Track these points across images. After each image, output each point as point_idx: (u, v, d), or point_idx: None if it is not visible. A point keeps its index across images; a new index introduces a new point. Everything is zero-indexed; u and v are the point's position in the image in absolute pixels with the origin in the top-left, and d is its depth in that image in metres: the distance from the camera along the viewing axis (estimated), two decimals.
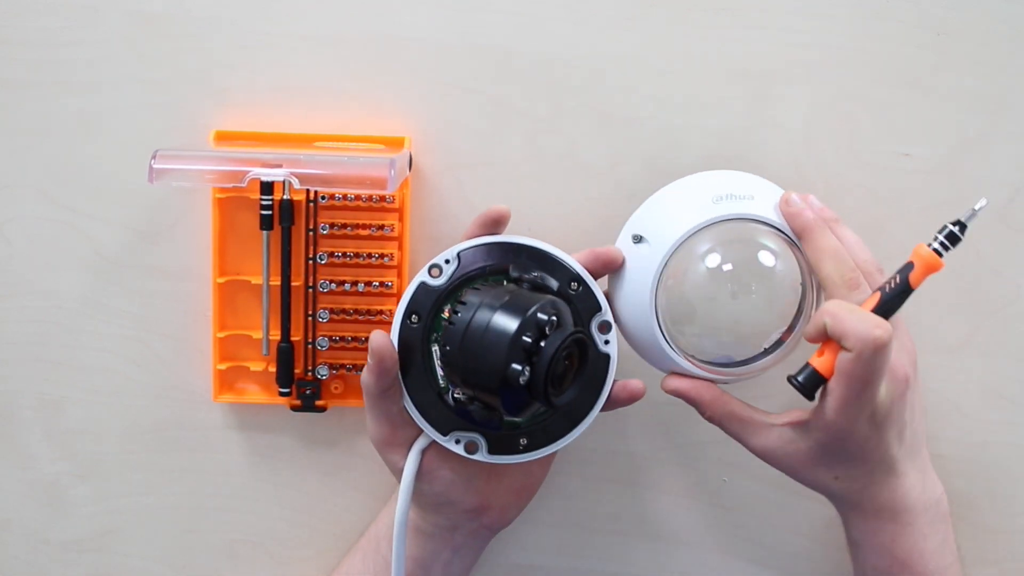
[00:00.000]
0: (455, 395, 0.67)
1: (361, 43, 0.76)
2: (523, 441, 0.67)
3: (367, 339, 0.76)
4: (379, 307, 0.77)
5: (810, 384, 0.65)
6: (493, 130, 0.77)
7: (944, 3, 0.75)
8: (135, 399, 0.79)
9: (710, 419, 0.69)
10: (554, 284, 0.67)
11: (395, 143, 0.76)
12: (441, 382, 0.67)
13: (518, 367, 0.61)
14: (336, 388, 0.78)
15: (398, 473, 0.68)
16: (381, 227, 0.76)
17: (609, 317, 0.68)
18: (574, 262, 0.68)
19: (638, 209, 0.70)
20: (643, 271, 0.68)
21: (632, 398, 0.69)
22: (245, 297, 0.78)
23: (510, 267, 0.67)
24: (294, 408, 0.78)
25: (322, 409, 0.78)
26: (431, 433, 0.67)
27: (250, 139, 0.76)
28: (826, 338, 0.64)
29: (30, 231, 0.78)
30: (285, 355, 0.76)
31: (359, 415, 0.79)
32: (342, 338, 0.77)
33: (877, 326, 0.61)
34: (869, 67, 0.76)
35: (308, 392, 0.77)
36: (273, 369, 0.77)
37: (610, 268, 0.69)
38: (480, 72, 0.76)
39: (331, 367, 0.77)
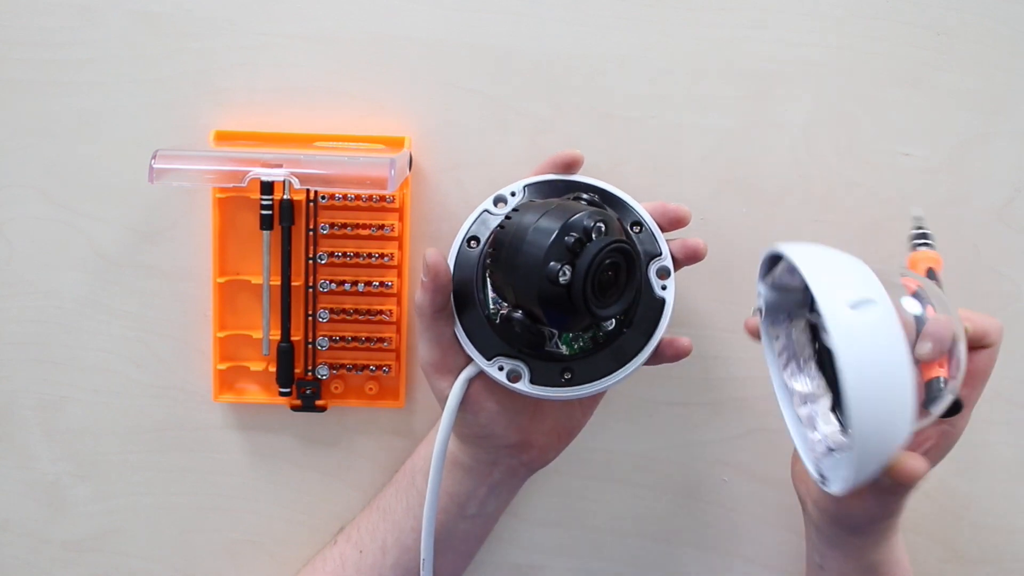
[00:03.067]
0: (502, 312, 0.65)
1: (361, 43, 0.76)
2: (567, 375, 0.66)
3: (367, 339, 0.77)
4: (379, 307, 0.77)
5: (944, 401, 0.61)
6: (493, 130, 0.77)
7: (944, 3, 0.75)
8: (135, 399, 0.79)
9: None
10: (614, 216, 0.65)
11: (395, 143, 0.76)
12: (491, 306, 0.66)
13: (557, 265, 0.59)
14: (336, 388, 0.78)
15: (444, 401, 0.68)
16: (381, 227, 0.76)
17: (669, 263, 0.67)
18: (638, 206, 0.68)
19: (810, 280, 0.58)
20: (883, 341, 0.56)
21: (678, 356, 0.68)
22: (245, 297, 0.78)
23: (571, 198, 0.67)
24: (294, 408, 0.78)
25: (322, 409, 0.78)
26: (474, 356, 0.66)
27: (250, 139, 0.76)
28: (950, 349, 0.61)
29: (30, 231, 0.78)
30: (285, 355, 0.76)
31: (359, 415, 0.79)
32: (342, 338, 0.77)
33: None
34: (869, 67, 0.76)
35: (308, 392, 0.77)
36: (273, 369, 0.77)
37: (676, 226, 0.68)
38: (480, 72, 0.76)
39: (331, 367, 0.77)
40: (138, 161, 0.72)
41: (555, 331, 0.65)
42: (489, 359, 0.66)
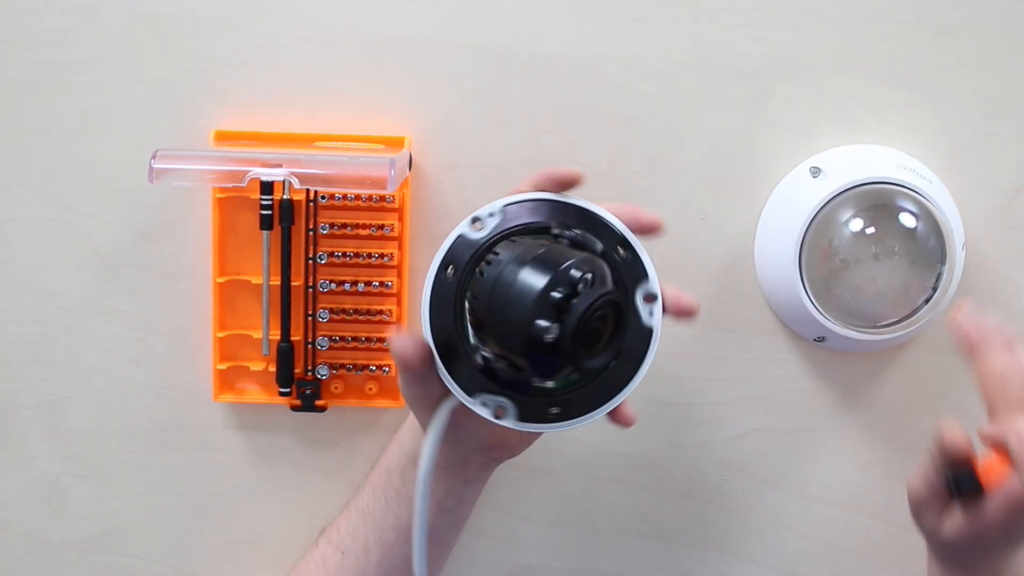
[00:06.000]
0: (483, 354, 0.62)
1: (361, 43, 0.76)
2: (554, 410, 0.63)
3: (367, 339, 0.77)
4: (379, 307, 0.77)
5: (963, 486, 0.61)
6: (493, 130, 0.77)
7: (944, 3, 0.75)
8: (135, 399, 0.79)
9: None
10: (598, 245, 0.63)
11: (395, 143, 0.76)
12: (472, 340, 0.62)
13: (544, 324, 0.56)
14: (336, 388, 0.78)
15: (426, 426, 0.66)
16: (381, 227, 0.76)
17: (656, 288, 0.63)
18: (622, 225, 0.64)
19: (826, 151, 0.75)
20: (810, 201, 0.72)
21: (684, 313, 0.64)
22: (245, 297, 0.78)
23: (552, 225, 0.63)
24: (294, 408, 0.78)
25: (322, 409, 0.78)
26: (458, 394, 0.63)
27: (250, 139, 0.76)
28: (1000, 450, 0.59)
29: (30, 231, 0.78)
30: (285, 355, 0.76)
31: (359, 415, 0.79)
32: (342, 338, 0.77)
33: None
34: (869, 67, 0.76)
35: (308, 392, 0.77)
36: (273, 369, 0.77)
37: (649, 231, 0.65)
38: (480, 72, 0.76)
39: (331, 367, 0.77)
40: (138, 161, 0.72)
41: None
42: (471, 395, 0.63)
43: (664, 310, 0.64)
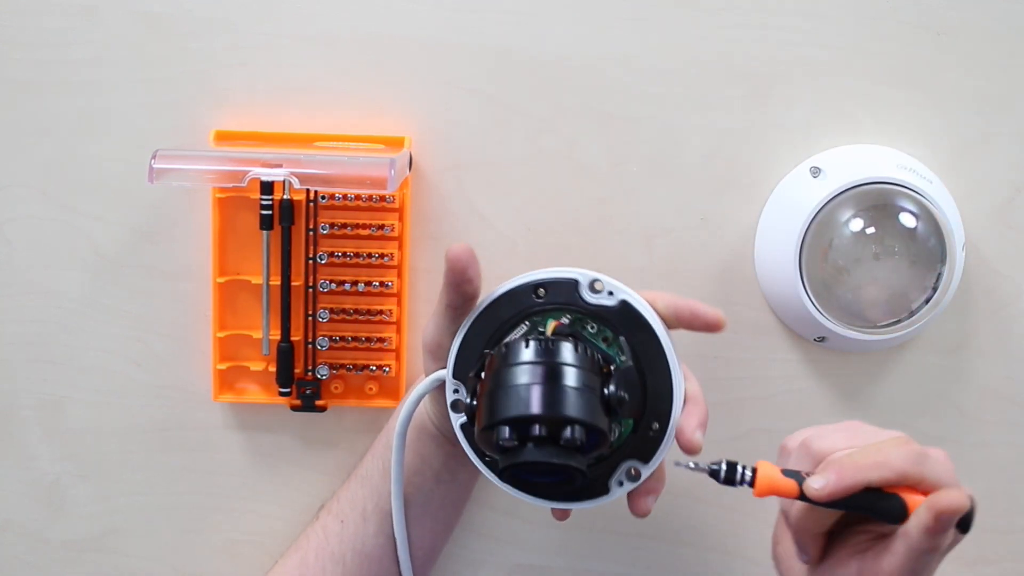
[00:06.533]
0: (476, 374, 0.61)
1: (361, 43, 0.76)
2: (487, 455, 0.63)
3: (367, 339, 0.77)
4: (379, 307, 0.77)
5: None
6: (493, 130, 0.77)
7: (944, 3, 0.75)
8: (135, 399, 0.79)
9: None
10: (631, 414, 0.61)
11: (395, 143, 0.76)
12: (490, 351, 0.62)
13: (506, 434, 0.56)
14: (336, 388, 0.78)
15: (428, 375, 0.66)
16: (381, 227, 0.76)
17: (645, 475, 0.62)
18: (679, 413, 0.62)
19: (826, 151, 0.76)
20: (810, 201, 0.72)
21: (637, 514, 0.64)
22: (245, 297, 0.78)
23: (633, 360, 0.61)
24: (294, 408, 0.78)
25: (322, 409, 0.78)
26: (449, 362, 0.63)
27: (250, 139, 0.76)
28: None
29: (30, 231, 0.78)
30: (285, 355, 0.76)
31: (359, 415, 0.79)
32: (342, 338, 0.77)
33: None
34: (869, 67, 0.76)
35: (308, 392, 0.77)
36: (273, 369, 0.77)
37: (707, 331, 0.64)
38: (480, 72, 0.76)
39: (331, 367, 0.77)
40: (138, 161, 0.72)
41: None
42: (456, 376, 0.63)
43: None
